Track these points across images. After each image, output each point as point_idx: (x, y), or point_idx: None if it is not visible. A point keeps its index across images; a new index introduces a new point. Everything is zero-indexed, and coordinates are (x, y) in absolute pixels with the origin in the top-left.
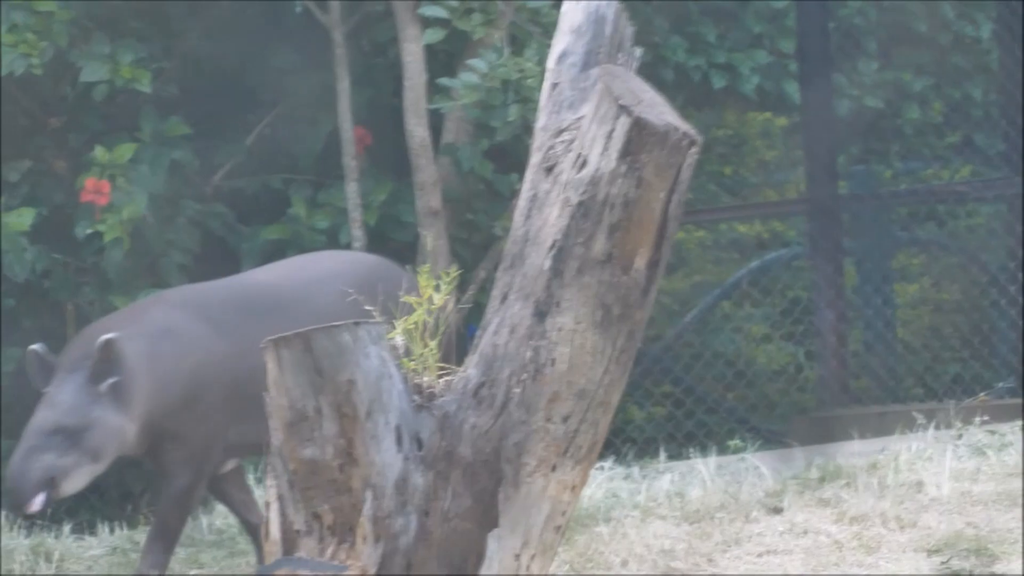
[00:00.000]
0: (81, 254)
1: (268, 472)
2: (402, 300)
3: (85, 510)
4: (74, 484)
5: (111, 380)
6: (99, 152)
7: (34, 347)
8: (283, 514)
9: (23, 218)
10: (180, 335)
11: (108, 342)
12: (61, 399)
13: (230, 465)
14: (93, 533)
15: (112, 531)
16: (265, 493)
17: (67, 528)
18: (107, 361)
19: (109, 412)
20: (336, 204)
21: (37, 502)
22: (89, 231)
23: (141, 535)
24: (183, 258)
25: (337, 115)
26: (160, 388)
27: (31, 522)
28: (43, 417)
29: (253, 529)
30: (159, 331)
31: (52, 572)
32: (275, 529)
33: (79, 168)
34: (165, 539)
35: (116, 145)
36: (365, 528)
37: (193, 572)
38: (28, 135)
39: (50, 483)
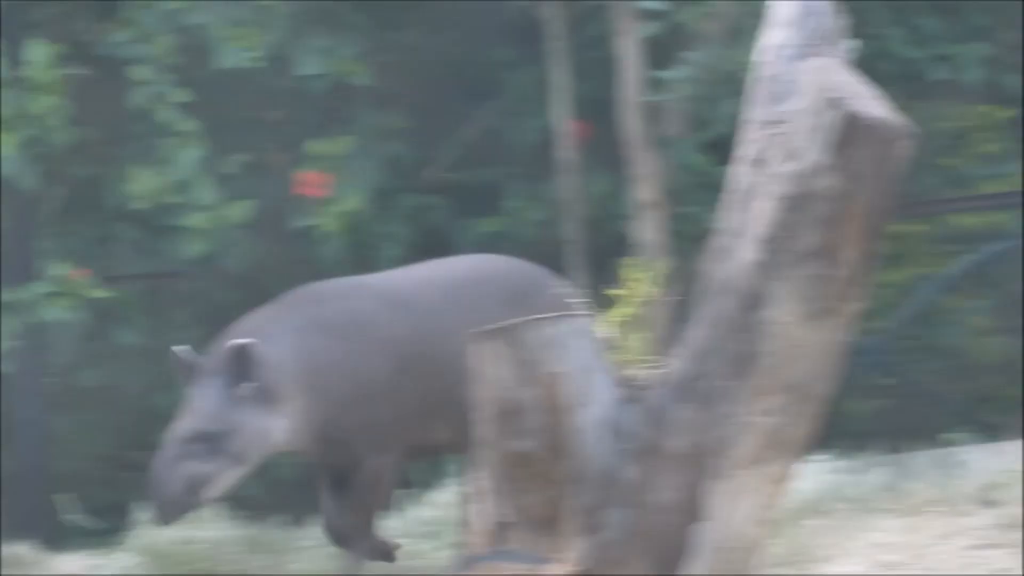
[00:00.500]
0: (296, 246)
1: (473, 465)
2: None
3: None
4: (218, 489)
5: (252, 384)
6: (316, 145)
7: (177, 348)
8: (489, 506)
9: (240, 210)
10: (331, 329)
11: (241, 348)
12: (201, 405)
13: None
14: (301, 525)
15: None
16: (468, 486)
17: (277, 520)
18: (243, 366)
19: (253, 415)
20: (551, 197)
21: (180, 510)
22: (305, 224)
23: None
24: (398, 250)
25: (552, 108)
26: (313, 383)
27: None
28: (183, 425)
29: (335, 531)
30: (308, 327)
31: (266, 564)
32: (482, 521)
33: (296, 161)
34: (364, 528)
35: (333, 138)
36: (573, 520)
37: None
38: (246, 128)
39: (193, 491)
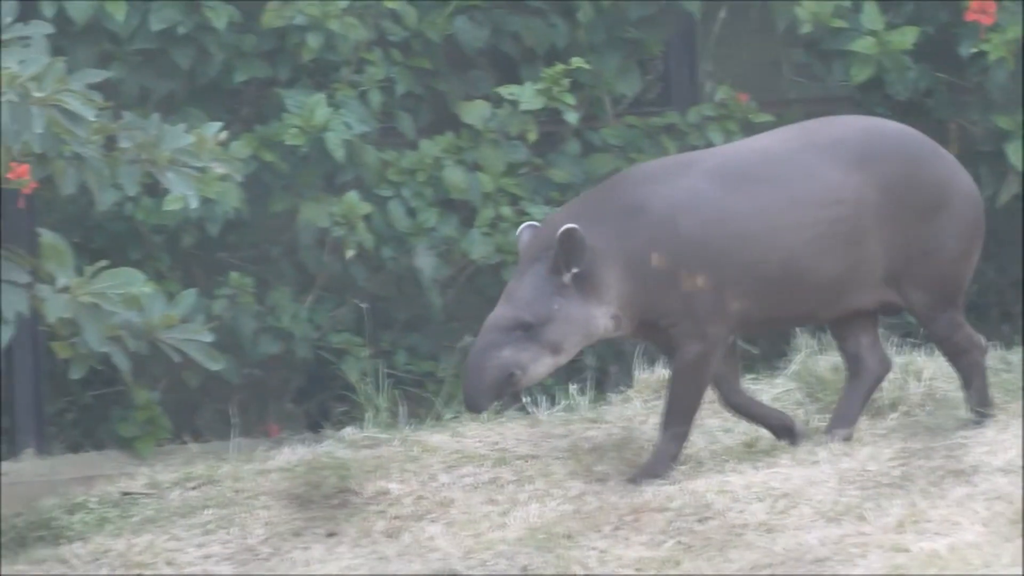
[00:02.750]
0: (965, 73)
1: None
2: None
3: None
4: (533, 378)
5: (573, 271)
6: None
7: (527, 224)
8: None
9: (906, 36)
10: (649, 212)
11: (568, 232)
12: (521, 294)
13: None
14: None
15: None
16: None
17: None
18: (568, 251)
19: (573, 303)
20: None
21: (491, 399)
22: (973, 50)
23: (1015, 355)
24: None
25: None
26: (633, 269)
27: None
28: (501, 312)
29: (743, 407)
30: (627, 210)
31: (921, 390)
32: None
33: None
34: (683, 413)
35: None
36: None
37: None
38: None
39: (508, 380)
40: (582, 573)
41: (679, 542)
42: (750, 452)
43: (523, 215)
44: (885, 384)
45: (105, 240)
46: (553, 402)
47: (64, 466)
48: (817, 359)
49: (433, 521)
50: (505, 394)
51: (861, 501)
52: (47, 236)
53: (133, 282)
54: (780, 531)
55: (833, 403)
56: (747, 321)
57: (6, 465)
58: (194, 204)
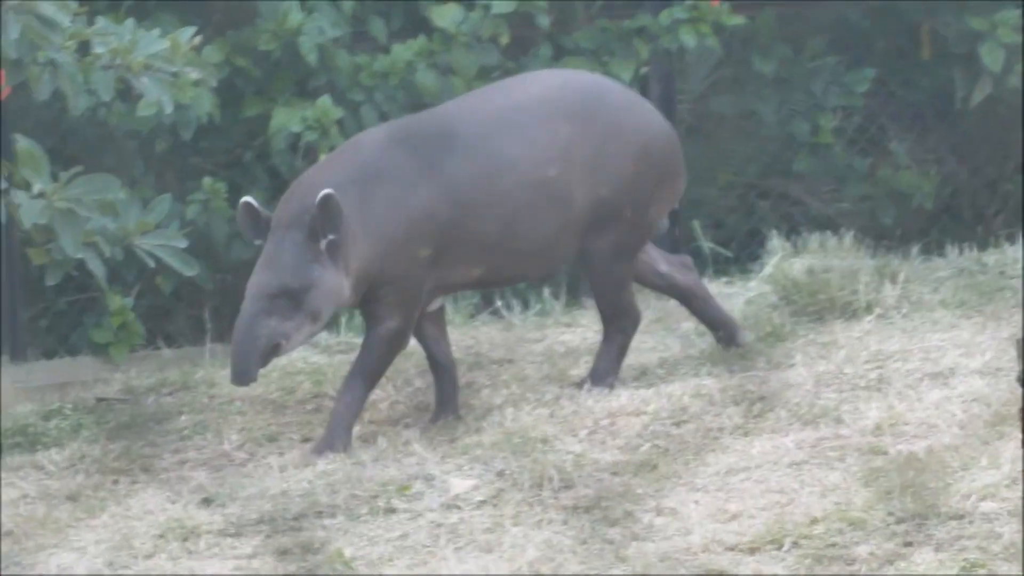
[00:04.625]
0: None
1: None
2: None
3: (935, 230)
4: (293, 347)
5: (330, 237)
6: None
7: (246, 199)
8: None
9: None
10: (390, 180)
11: (328, 197)
12: (283, 260)
13: (437, 304)
14: (941, 254)
15: (961, 252)
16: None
17: (915, 249)
18: (327, 217)
19: (328, 270)
20: None
21: (257, 368)
22: None
23: (990, 257)
24: None
25: None
26: (374, 239)
27: (879, 243)
28: (266, 280)
29: (436, 365)
30: (370, 177)
31: (896, 293)
32: None
33: None
34: (367, 378)
35: None
36: None
37: None
38: None
39: (274, 349)
40: (558, 477)
41: (655, 445)
42: (725, 356)
43: None
44: (859, 287)
45: (79, 146)
46: (526, 306)
47: (39, 372)
48: (792, 262)
49: (408, 426)
50: (268, 362)
51: (838, 404)
52: (22, 142)
53: (108, 188)
54: (756, 434)
55: (809, 305)
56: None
57: None
58: (168, 109)
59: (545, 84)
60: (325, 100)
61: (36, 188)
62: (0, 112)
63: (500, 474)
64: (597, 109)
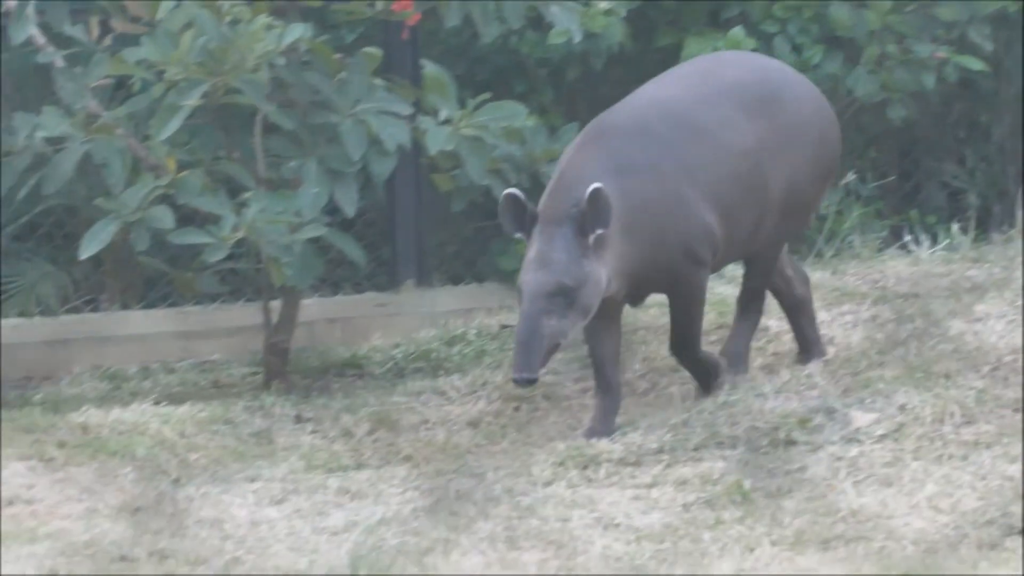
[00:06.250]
0: None
1: None
2: None
3: None
4: (567, 344)
5: (598, 231)
6: None
7: (511, 191)
8: None
9: None
10: (640, 168)
11: (597, 192)
12: (557, 257)
13: None
14: None
15: None
16: None
17: None
18: (596, 212)
19: (597, 265)
20: None
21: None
22: None
23: None
24: None
25: None
26: (633, 228)
27: None
28: (543, 279)
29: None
30: (623, 167)
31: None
32: None
33: None
34: (695, 335)
35: None
36: None
37: None
38: None
39: (555, 348)
40: (959, 412)
41: None
42: None
43: (907, 53)
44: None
45: (489, 73)
46: (935, 241)
47: (444, 298)
48: None
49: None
50: (548, 361)
51: None
52: (430, 68)
53: (516, 115)
54: None
55: None
56: None
57: (387, 296)
58: (578, 38)
59: (737, 70)
60: (738, 31)
61: (443, 114)
62: (410, 38)
63: (902, 408)
64: (785, 98)
